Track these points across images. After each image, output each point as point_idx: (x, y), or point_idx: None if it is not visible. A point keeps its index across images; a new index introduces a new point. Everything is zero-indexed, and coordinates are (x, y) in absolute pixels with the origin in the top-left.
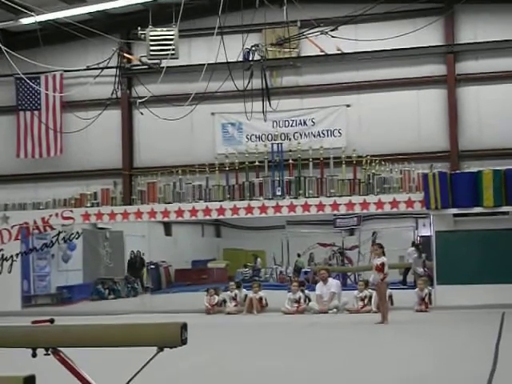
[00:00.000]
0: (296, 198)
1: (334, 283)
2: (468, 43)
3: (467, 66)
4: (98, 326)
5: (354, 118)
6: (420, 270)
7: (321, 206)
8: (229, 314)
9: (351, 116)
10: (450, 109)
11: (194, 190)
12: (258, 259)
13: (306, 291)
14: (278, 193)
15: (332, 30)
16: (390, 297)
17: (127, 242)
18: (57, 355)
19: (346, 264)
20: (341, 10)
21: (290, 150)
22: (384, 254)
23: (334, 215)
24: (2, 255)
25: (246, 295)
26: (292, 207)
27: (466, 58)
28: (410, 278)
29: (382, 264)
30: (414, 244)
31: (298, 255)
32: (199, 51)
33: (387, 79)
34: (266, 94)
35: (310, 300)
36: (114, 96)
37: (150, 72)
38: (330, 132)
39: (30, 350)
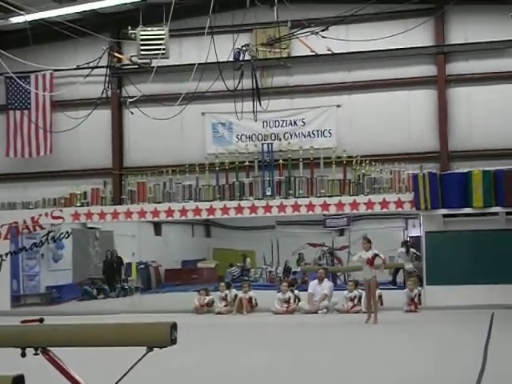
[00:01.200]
0: (286, 198)
1: (328, 285)
2: (458, 44)
3: (457, 67)
4: (87, 325)
5: (344, 118)
6: (409, 266)
7: (311, 206)
8: (219, 313)
9: (341, 116)
10: (440, 109)
11: (184, 189)
12: (247, 259)
13: (296, 291)
14: (268, 193)
15: (323, 31)
16: (380, 297)
17: (117, 241)
18: (46, 355)
19: (335, 264)
20: (331, 10)
21: (281, 150)
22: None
23: (324, 215)
24: None
25: (235, 295)
26: (282, 207)
27: (456, 59)
28: (399, 279)
29: (374, 257)
30: (402, 242)
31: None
32: (190, 51)
33: (378, 80)
34: (257, 94)
35: (299, 300)
36: (104, 95)
37: (140, 71)
38: (320, 132)
39: (19, 350)
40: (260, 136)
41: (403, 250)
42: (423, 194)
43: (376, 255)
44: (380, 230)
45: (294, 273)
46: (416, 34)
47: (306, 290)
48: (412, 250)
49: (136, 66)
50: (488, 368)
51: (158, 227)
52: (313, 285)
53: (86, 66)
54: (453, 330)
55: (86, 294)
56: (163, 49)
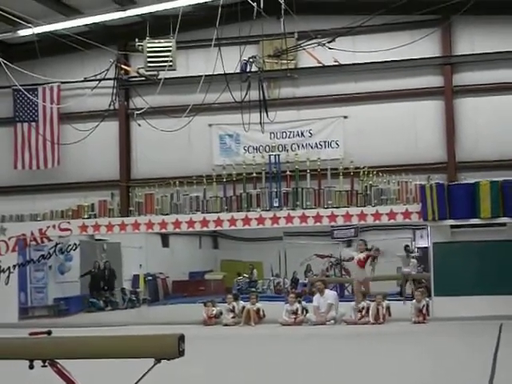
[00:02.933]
0: (293, 209)
1: (331, 294)
2: (465, 55)
3: (464, 78)
4: (95, 337)
5: (351, 129)
6: (406, 270)
7: (318, 218)
8: (226, 325)
9: (348, 127)
10: (448, 120)
11: (192, 201)
12: (254, 270)
13: (304, 302)
14: (276, 204)
15: (329, 42)
16: (388, 308)
17: (124, 253)
18: (54, 367)
19: (343, 275)
20: (338, 21)
21: (288, 162)
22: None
23: (332, 226)
24: (0, 267)
25: (243, 307)
26: (289, 218)
27: (463, 70)
28: (408, 290)
29: (366, 258)
30: (404, 245)
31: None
32: (197, 63)
33: (384, 91)
34: (264, 105)
35: (307, 311)
36: (112, 107)
37: (147, 83)
38: (327, 143)
39: (27, 362)
40: (267, 147)
41: (403, 254)
42: (431, 205)
43: (369, 256)
44: (388, 240)
45: (305, 285)
46: (423, 45)
47: (312, 302)
48: (413, 254)
49: (143, 78)
50: (496, 379)
51: (165, 239)
52: (316, 298)
53: (93, 78)
54: (461, 341)
55: (92, 306)
56: (170, 61)
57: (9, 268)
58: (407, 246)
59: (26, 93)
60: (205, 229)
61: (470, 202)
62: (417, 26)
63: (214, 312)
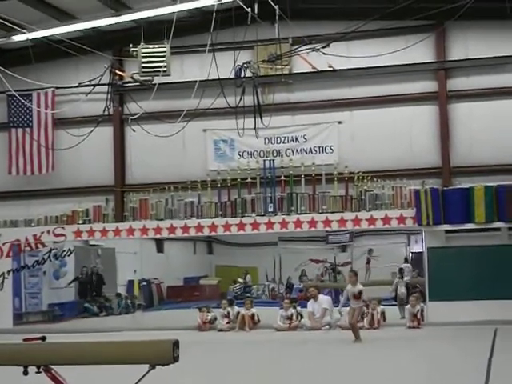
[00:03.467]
0: (288, 214)
1: (324, 299)
2: (459, 60)
3: (458, 83)
4: (89, 343)
5: (345, 134)
6: (402, 291)
7: (313, 223)
8: (221, 330)
9: (343, 132)
10: (442, 125)
11: (186, 206)
12: (248, 275)
13: (299, 308)
14: (270, 209)
15: (324, 47)
16: (383, 313)
17: (119, 258)
18: (48, 373)
19: (338, 280)
20: (332, 27)
21: (282, 167)
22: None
23: (326, 231)
24: None
25: (238, 312)
26: (284, 224)
27: (457, 75)
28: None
29: (360, 292)
30: (399, 270)
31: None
32: (191, 68)
33: (379, 96)
34: (258, 110)
35: (302, 317)
36: (106, 113)
37: (141, 89)
38: (321, 148)
39: (21, 368)
40: (262, 152)
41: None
42: (425, 210)
43: (360, 292)
44: (382, 246)
45: (301, 290)
46: (417, 51)
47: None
48: (406, 279)
49: (137, 84)
50: None
51: (160, 244)
52: (310, 304)
53: (87, 83)
54: (456, 345)
55: (86, 312)
56: (165, 66)
57: (3, 274)
58: (401, 269)
59: (20, 98)
60: (199, 234)
61: (465, 206)
62: (411, 31)
63: (209, 317)
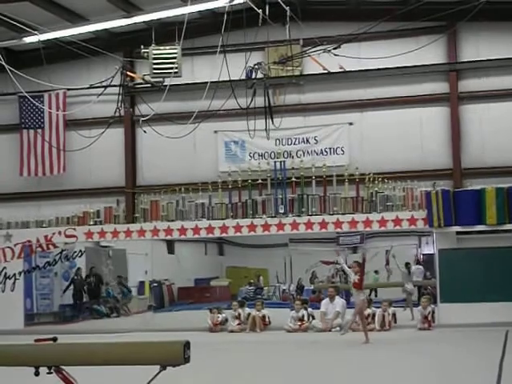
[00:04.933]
0: (299, 215)
1: (340, 302)
2: (471, 61)
3: (470, 84)
4: (100, 344)
5: (356, 135)
6: (409, 287)
7: (324, 224)
8: (232, 332)
9: (354, 134)
10: (453, 127)
11: (197, 207)
12: (261, 277)
13: (310, 309)
14: (281, 211)
15: (335, 48)
16: (394, 315)
17: (130, 260)
18: (59, 373)
19: (348, 282)
20: (343, 28)
21: (293, 168)
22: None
23: (337, 233)
24: (5, 273)
25: (249, 313)
26: (295, 225)
27: (468, 76)
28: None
29: (360, 279)
30: (406, 264)
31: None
32: (202, 69)
33: (390, 97)
34: (269, 111)
35: (313, 318)
36: (117, 114)
37: (153, 90)
38: (332, 150)
39: (32, 369)
40: (273, 154)
41: (418, 267)
42: (436, 212)
43: (360, 280)
44: (394, 247)
45: (314, 292)
46: (428, 52)
47: (319, 308)
48: (415, 268)
49: (149, 85)
50: None
51: (170, 245)
52: (325, 303)
53: (98, 84)
54: (467, 347)
55: (97, 313)
56: (176, 67)
57: (14, 274)
58: (408, 263)
59: (31, 99)
60: (210, 235)
61: (476, 208)
62: (422, 32)
63: (220, 319)
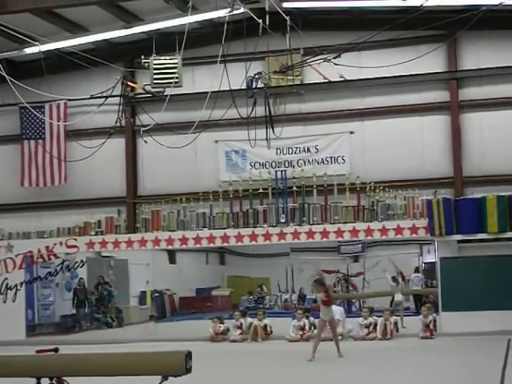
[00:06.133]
0: (300, 225)
1: (337, 310)
2: (471, 70)
3: (470, 93)
4: (102, 355)
5: (357, 144)
6: (398, 299)
7: (325, 233)
8: (233, 341)
9: (355, 143)
10: (454, 135)
11: (198, 217)
12: (264, 287)
13: (311, 318)
14: (282, 220)
15: (335, 58)
16: (396, 323)
17: (131, 270)
18: None
19: (350, 291)
20: (344, 37)
21: (294, 177)
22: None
23: (339, 242)
24: (7, 284)
25: (250, 323)
26: (296, 234)
27: (469, 85)
28: (412, 305)
29: (327, 296)
30: (392, 278)
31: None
32: (203, 79)
33: (390, 106)
34: (270, 121)
35: (315, 327)
36: (118, 124)
37: (153, 100)
38: (333, 159)
39: (34, 380)
40: (273, 163)
41: (417, 275)
42: (438, 220)
43: (328, 292)
44: (395, 256)
45: (314, 301)
46: (428, 60)
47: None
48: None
49: (149, 95)
50: None
51: (172, 255)
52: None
53: (99, 95)
54: (469, 356)
55: (99, 323)
56: (176, 77)
57: (16, 285)
58: (394, 277)
59: (32, 110)
60: (211, 245)
61: (477, 216)
62: (422, 41)
63: (222, 328)
